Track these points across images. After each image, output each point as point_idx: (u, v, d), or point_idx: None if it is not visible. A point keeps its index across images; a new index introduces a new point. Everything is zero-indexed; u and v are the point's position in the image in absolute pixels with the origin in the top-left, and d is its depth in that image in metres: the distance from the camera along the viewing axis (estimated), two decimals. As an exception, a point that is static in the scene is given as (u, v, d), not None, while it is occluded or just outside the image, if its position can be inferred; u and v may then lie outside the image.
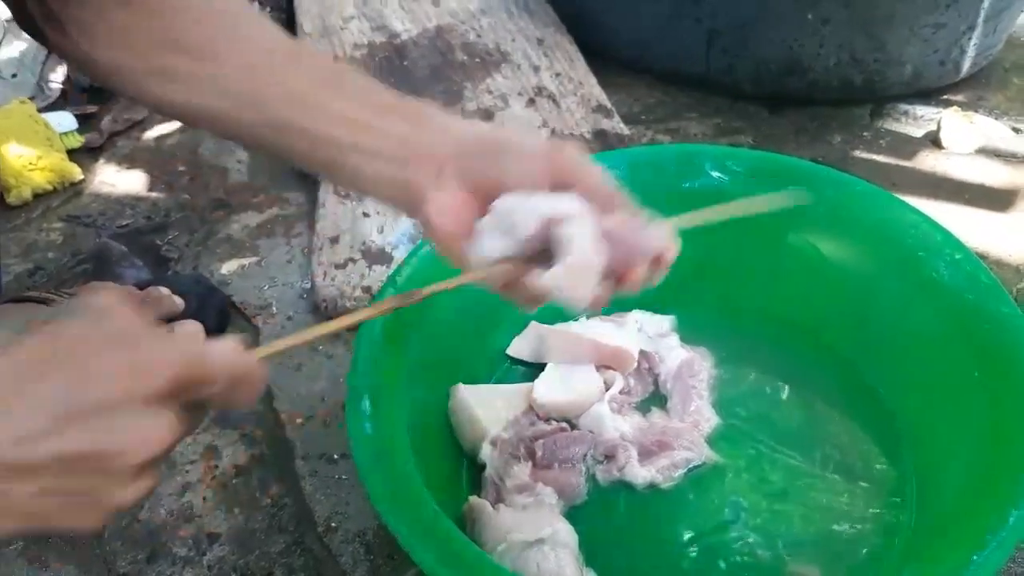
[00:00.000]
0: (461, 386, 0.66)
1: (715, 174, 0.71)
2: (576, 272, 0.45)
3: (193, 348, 0.39)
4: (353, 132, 0.49)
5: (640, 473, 0.62)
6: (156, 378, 0.37)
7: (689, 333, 0.74)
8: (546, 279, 0.45)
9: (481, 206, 0.48)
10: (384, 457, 0.52)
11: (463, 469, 0.65)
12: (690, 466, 0.64)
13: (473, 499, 0.60)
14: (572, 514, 0.61)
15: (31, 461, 0.35)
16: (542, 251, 0.46)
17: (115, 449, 0.36)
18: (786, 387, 0.70)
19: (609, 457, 0.64)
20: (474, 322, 0.68)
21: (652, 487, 0.63)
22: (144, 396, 0.37)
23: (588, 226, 0.45)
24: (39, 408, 0.35)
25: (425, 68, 1.16)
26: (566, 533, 0.57)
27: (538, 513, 0.58)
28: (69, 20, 0.51)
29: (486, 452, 0.63)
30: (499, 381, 0.71)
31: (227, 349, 0.41)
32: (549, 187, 0.46)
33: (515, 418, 0.65)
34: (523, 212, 0.45)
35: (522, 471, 0.62)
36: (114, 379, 0.36)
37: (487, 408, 0.65)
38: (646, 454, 0.64)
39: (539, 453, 0.62)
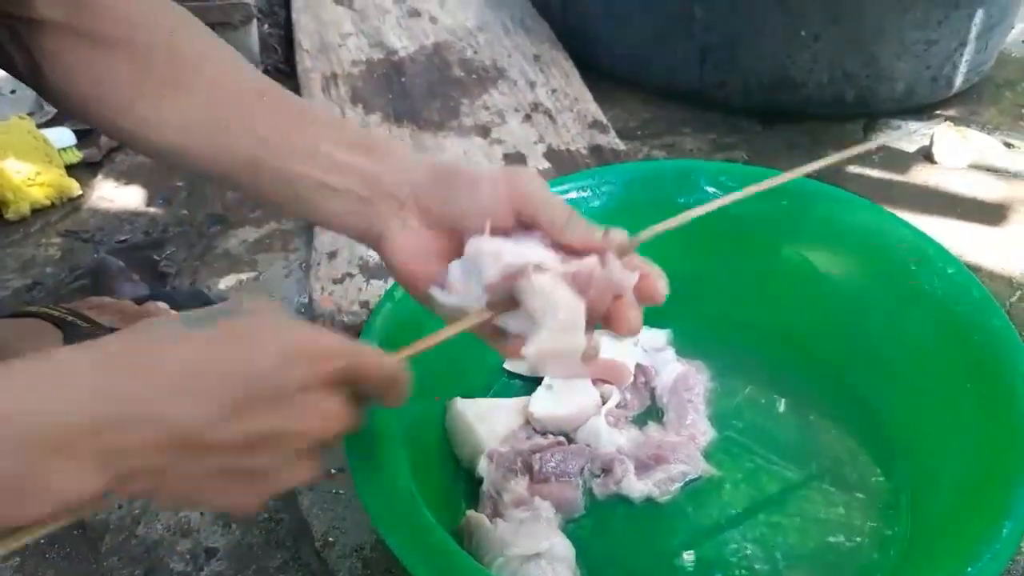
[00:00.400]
0: (458, 400, 0.67)
1: (710, 189, 0.72)
2: (560, 337, 0.44)
3: (355, 345, 0.41)
4: (319, 170, 0.49)
5: (637, 487, 0.62)
6: (332, 363, 0.39)
7: (685, 346, 0.74)
8: (530, 352, 0.44)
9: (445, 243, 0.48)
10: (381, 472, 0.52)
11: (460, 483, 0.65)
12: (687, 479, 0.64)
13: (470, 513, 0.60)
14: (569, 528, 0.62)
15: (222, 440, 0.37)
16: (510, 298, 0.45)
17: (297, 429, 0.38)
18: (781, 400, 0.71)
19: (606, 471, 0.64)
20: (470, 335, 0.69)
21: (649, 501, 0.63)
22: (322, 380, 0.38)
23: (560, 286, 0.44)
24: (228, 390, 0.37)
25: (422, 84, 1.17)
26: (563, 547, 0.57)
27: (535, 527, 0.58)
28: (41, 54, 0.51)
29: (483, 466, 0.64)
30: (496, 395, 0.71)
31: (376, 350, 0.43)
32: (511, 216, 0.46)
33: (512, 432, 0.65)
34: (486, 258, 0.44)
35: (519, 485, 0.62)
36: (294, 363, 0.38)
37: (484, 422, 0.65)
38: (643, 468, 0.64)
39: (536, 467, 0.63)
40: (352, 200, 0.49)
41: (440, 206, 0.48)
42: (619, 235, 0.46)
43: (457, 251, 0.47)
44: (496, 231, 0.45)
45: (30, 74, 0.52)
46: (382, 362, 0.42)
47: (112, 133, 0.53)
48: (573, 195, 0.72)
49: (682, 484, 0.64)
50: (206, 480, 0.38)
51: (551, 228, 0.46)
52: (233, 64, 0.53)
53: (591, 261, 0.45)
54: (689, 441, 0.66)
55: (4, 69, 0.53)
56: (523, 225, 0.46)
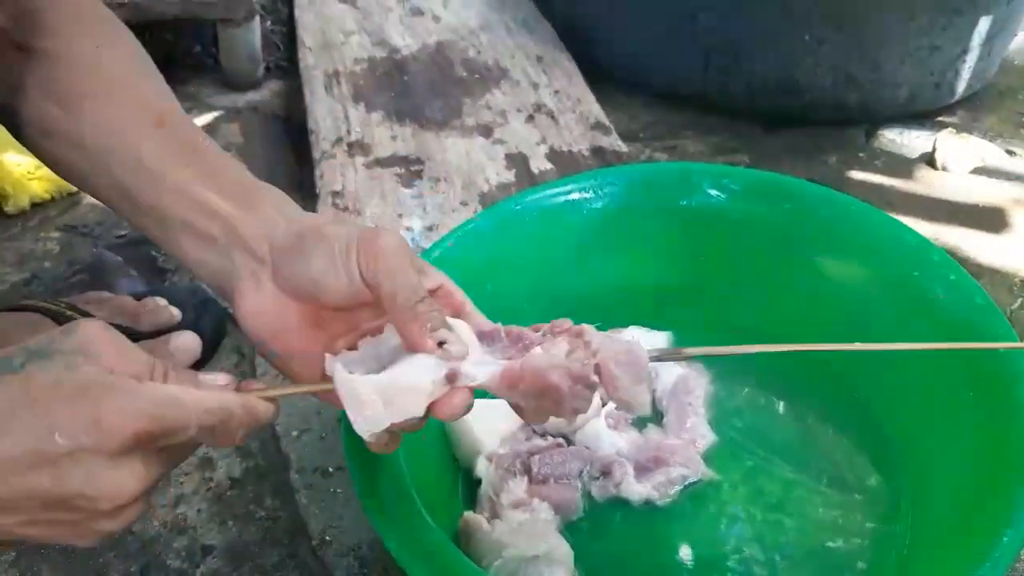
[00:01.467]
0: None
1: (712, 192, 0.72)
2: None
3: (160, 400, 0.38)
4: (185, 210, 0.47)
5: (636, 489, 0.62)
6: (118, 434, 0.36)
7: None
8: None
9: (300, 311, 0.45)
10: (379, 471, 0.52)
11: (459, 484, 0.65)
12: (686, 482, 0.64)
13: (468, 514, 0.60)
14: (568, 530, 0.61)
15: (9, 497, 0.36)
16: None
17: (88, 494, 0.37)
18: (781, 403, 0.70)
19: (605, 473, 0.64)
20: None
21: (648, 503, 0.63)
22: (109, 449, 0.37)
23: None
24: (14, 448, 0.36)
25: (425, 83, 1.16)
26: (561, 549, 0.57)
27: (533, 529, 0.58)
28: None
29: (482, 467, 0.63)
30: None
31: (202, 396, 0.39)
32: (359, 280, 0.43)
33: (511, 433, 0.65)
34: (408, 395, 0.42)
35: (518, 486, 0.62)
36: (80, 431, 0.36)
37: (483, 423, 0.64)
38: (642, 470, 0.64)
39: (535, 468, 0.62)
40: (211, 247, 0.46)
41: (291, 270, 0.44)
42: (457, 349, 0.42)
43: (313, 322, 0.45)
44: (351, 306, 0.44)
45: None
46: (200, 411, 0.39)
47: (22, 142, 0.52)
48: (575, 196, 0.71)
49: (681, 487, 0.64)
50: (18, 529, 0.37)
51: (389, 303, 0.42)
52: (150, 85, 0.52)
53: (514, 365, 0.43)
54: (689, 444, 0.66)
55: None
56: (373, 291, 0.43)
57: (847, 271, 0.70)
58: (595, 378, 0.42)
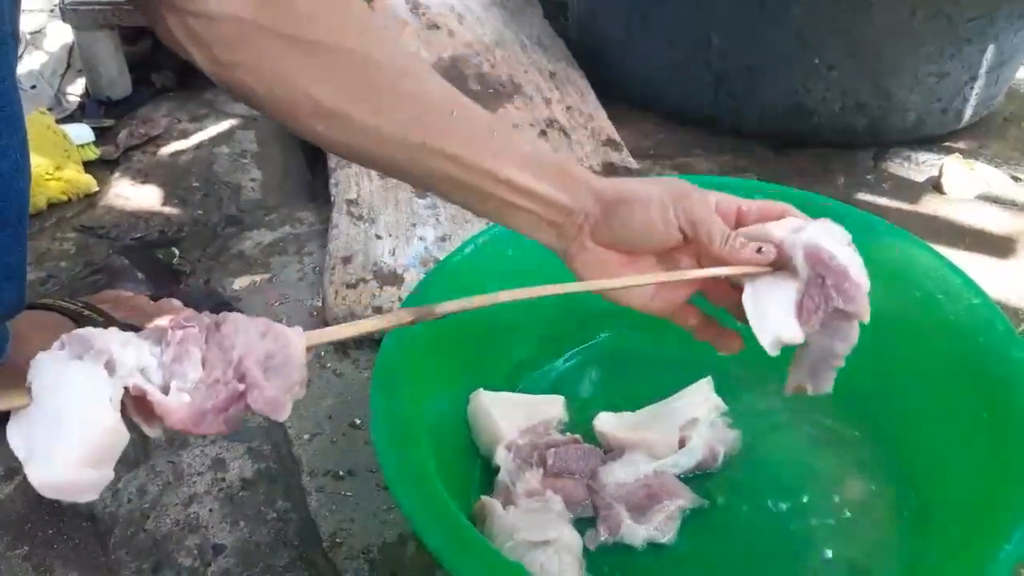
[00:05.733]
0: (482, 391, 0.68)
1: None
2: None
3: None
4: (504, 192, 0.53)
5: (639, 533, 0.61)
6: None
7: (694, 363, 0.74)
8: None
9: (624, 259, 0.54)
10: (403, 448, 0.54)
11: (477, 471, 0.66)
12: (684, 513, 0.63)
13: (484, 499, 0.61)
14: (577, 524, 0.62)
15: None
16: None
17: None
18: (792, 417, 0.71)
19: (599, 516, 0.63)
20: (495, 333, 0.71)
21: (651, 544, 0.62)
22: None
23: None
24: None
25: (439, 96, 1.18)
26: (571, 538, 0.58)
27: (545, 517, 0.59)
28: (227, 51, 0.51)
29: (501, 455, 0.65)
30: (521, 391, 0.72)
31: None
32: (679, 233, 0.52)
33: (531, 426, 0.66)
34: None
35: (534, 477, 0.63)
36: None
37: (505, 414, 0.66)
38: (637, 510, 0.62)
39: (550, 461, 0.64)
40: (535, 221, 0.54)
41: (615, 230, 0.53)
42: (770, 249, 0.52)
43: (634, 265, 0.54)
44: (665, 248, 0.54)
45: (214, 71, 0.52)
46: None
47: (302, 132, 0.54)
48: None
49: (680, 521, 0.62)
50: None
51: (709, 246, 0.51)
52: (427, 78, 0.55)
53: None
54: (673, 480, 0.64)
55: (195, 65, 0.53)
56: (687, 239, 0.53)
57: (871, 291, 0.70)
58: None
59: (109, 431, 0.36)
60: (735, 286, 0.54)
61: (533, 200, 0.54)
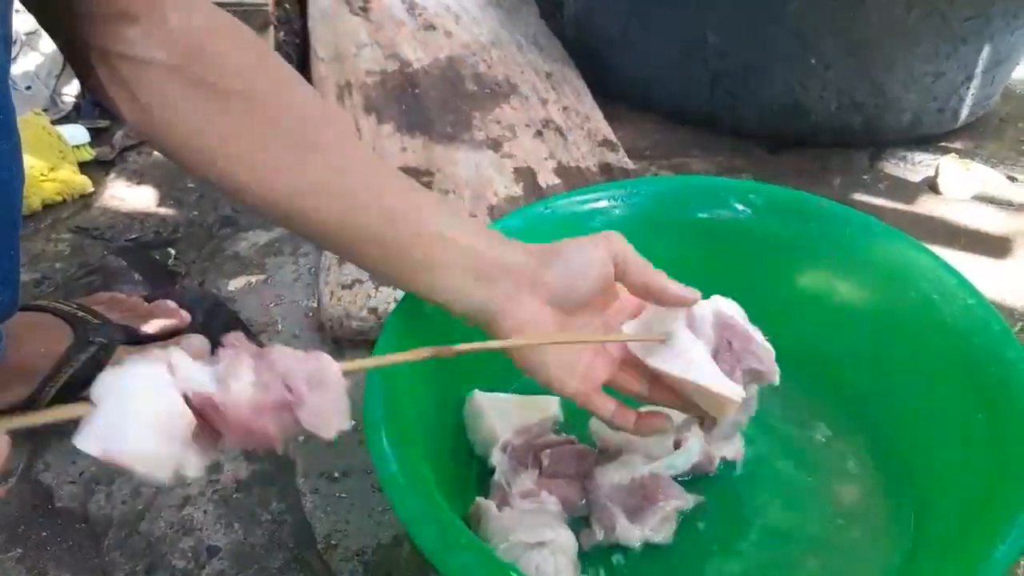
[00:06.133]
0: (477, 392, 0.68)
1: (739, 207, 0.72)
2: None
3: None
4: (437, 248, 0.51)
5: (635, 534, 0.60)
6: None
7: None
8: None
9: (559, 318, 0.53)
10: (398, 449, 0.54)
11: (473, 472, 0.66)
12: (680, 514, 0.63)
13: (479, 500, 0.61)
14: (572, 525, 0.62)
15: None
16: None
17: None
18: (790, 420, 0.71)
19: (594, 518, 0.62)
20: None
21: (648, 546, 0.61)
22: None
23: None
24: None
25: (435, 97, 1.18)
26: (566, 539, 0.58)
27: (540, 518, 0.59)
28: (148, 95, 0.51)
29: (496, 456, 0.64)
30: (516, 392, 0.72)
31: None
32: (611, 278, 0.53)
33: (527, 427, 0.66)
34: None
35: (529, 478, 0.63)
36: None
37: (501, 415, 0.66)
38: (633, 512, 0.61)
39: (545, 462, 0.63)
40: (468, 278, 0.52)
41: (555, 278, 0.52)
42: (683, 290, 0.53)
43: (567, 326, 0.54)
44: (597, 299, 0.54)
45: (136, 118, 0.52)
46: None
47: (223, 185, 0.53)
48: (603, 204, 0.72)
49: (676, 522, 0.62)
50: None
51: (644, 285, 0.53)
52: (350, 130, 0.55)
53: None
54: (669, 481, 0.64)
55: (109, 109, 0.53)
56: (605, 290, 0.54)
57: (866, 291, 0.70)
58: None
59: (172, 405, 0.38)
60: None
61: (466, 254, 0.51)
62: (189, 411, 0.39)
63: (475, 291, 0.52)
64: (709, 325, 0.54)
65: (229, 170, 0.51)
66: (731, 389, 0.54)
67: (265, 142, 0.51)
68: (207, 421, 0.40)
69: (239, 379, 0.40)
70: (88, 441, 0.36)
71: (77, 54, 0.51)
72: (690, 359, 0.53)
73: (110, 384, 0.38)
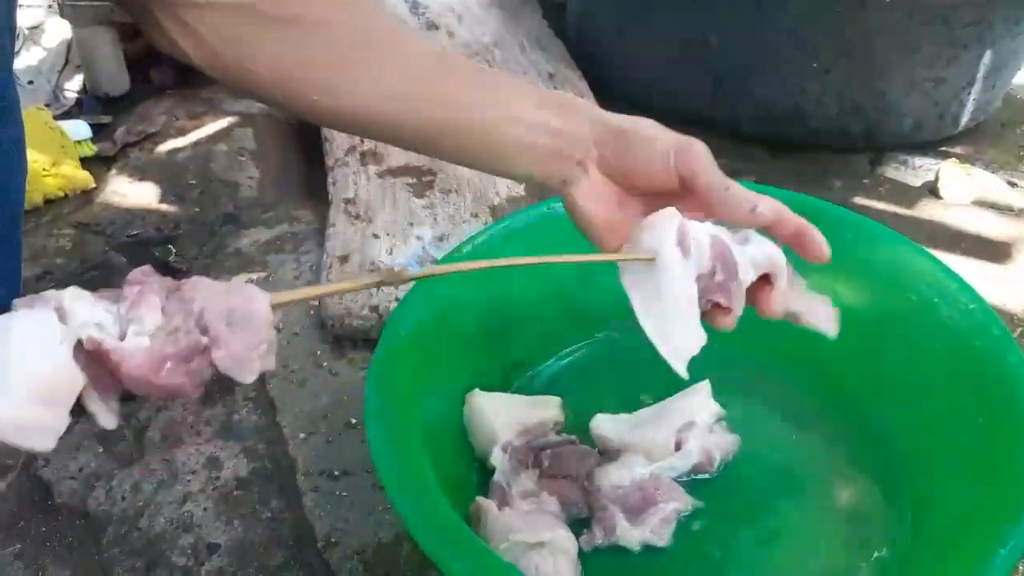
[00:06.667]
0: (477, 392, 0.68)
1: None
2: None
3: None
4: (512, 128, 0.53)
5: (634, 535, 0.61)
6: None
7: (696, 363, 0.74)
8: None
9: (621, 191, 0.54)
10: (398, 448, 0.54)
11: (473, 472, 0.66)
12: (680, 516, 0.63)
13: (480, 499, 0.61)
14: (572, 525, 0.62)
15: None
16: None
17: None
18: (790, 421, 0.71)
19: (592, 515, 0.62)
20: (492, 332, 0.70)
21: (647, 547, 0.61)
22: None
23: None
24: None
25: (437, 96, 1.18)
26: (566, 540, 0.58)
27: (540, 518, 0.59)
28: (217, 38, 0.52)
29: (496, 456, 0.64)
30: (516, 392, 0.72)
31: None
32: (676, 178, 0.52)
33: (527, 427, 0.66)
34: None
35: (529, 478, 0.63)
36: None
37: (501, 415, 0.66)
38: (633, 513, 0.61)
39: (546, 463, 0.64)
40: (540, 153, 0.54)
41: (618, 159, 0.53)
42: (768, 209, 0.52)
43: (619, 202, 0.54)
44: (662, 191, 0.53)
45: (207, 62, 0.53)
46: None
47: (301, 109, 0.54)
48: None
49: (675, 525, 0.62)
50: None
51: (707, 194, 0.51)
52: (416, 34, 0.55)
53: None
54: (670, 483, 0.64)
55: (181, 60, 0.53)
56: (685, 187, 0.52)
57: (867, 294, 0.70)
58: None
59: (59, 367, 0.34)
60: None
61: (539, 132, 0.53)
62: (79, 373, 0.34)
63: (543, 166, 0.54)
64: (707, 247, 0.51)
65: (305, 94, 0.53)
66: (689, 336, 0.52)
67: (343, 64, 0.53)
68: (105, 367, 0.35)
69: (142, 323, 0.35)
70: None
71: (140, 7, 0.52)
72: (657, 291, 0.50)
73: None
